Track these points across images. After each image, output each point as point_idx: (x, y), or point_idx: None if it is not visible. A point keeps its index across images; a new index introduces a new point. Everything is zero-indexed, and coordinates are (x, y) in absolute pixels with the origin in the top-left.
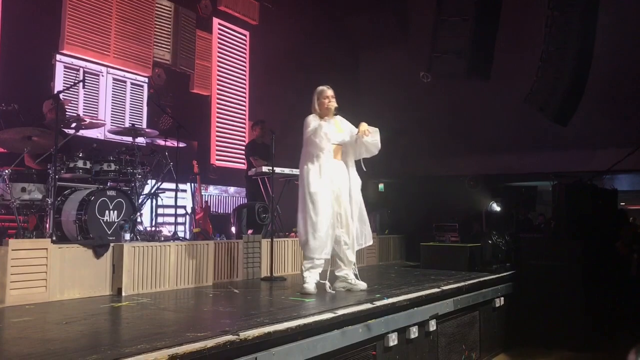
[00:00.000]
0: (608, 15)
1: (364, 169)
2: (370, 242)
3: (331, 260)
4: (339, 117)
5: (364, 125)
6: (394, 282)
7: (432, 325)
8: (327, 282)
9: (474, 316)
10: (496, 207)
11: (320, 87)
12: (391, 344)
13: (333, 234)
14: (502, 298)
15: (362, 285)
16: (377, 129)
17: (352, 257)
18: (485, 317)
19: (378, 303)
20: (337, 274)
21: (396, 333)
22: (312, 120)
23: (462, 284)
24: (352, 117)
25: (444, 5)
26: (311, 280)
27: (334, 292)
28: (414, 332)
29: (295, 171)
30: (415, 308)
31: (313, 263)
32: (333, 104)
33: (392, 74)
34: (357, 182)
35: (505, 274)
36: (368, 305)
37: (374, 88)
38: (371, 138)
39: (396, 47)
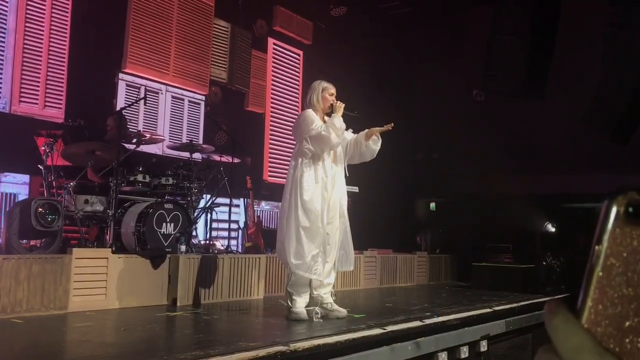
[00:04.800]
0: None
1: (347, 175)
2: (351, 268)
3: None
4: None
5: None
6: (444, 301)
7: (484, 346)
8: (316, 308)
9: (526, 338)
10: (551, 228)
11: (325, 83)
12: None
13: (325, 251)
14: None
15: (341, 312)
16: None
17: (331, 279)
18: (538, 339)
19: (428, 321)
20: (311, 295)
21: (446, 352)
22: (316, 116)
23: (515, 305)
24: (404, 134)
25: (499, 23)
26: (301, 303)
27: (321, 320)
28: (464, 352)
29: (350, 188)
30: (466, 328)
31: (301, 282)
32: (341, 103)
33: (445, 92)
34: (345, 193)
35: (559, 296)
36: (417, 323)
37: (426, 106)
38: (375, 144)
39: (450, 64)
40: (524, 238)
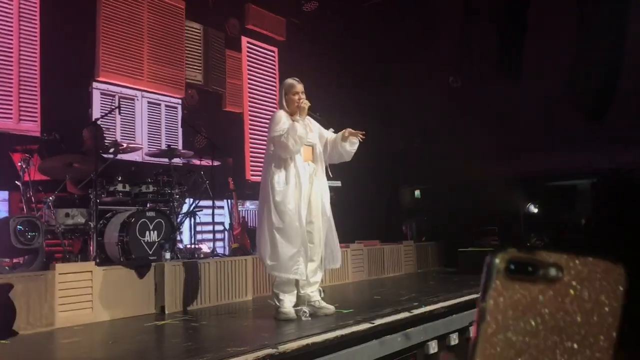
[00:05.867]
0: None
1: (330, 175)
2: (338, 265)
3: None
4: (307, 117)
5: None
6: (432, 289)
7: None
8: (303, 307)
9: None
10: (534, 209)
11: (289, 81)
12: (431, 351)
13: (306, 250)
14: None
15: (329, 309)
16: (357, 141)
17: (318, 277)
18: None
19: (416, 311)
20: (298, 294)
21: (436, 341)
22: (283, 118)
23: None
24: (384, 125)
25: (471, 9)
26: (288, 303)
27: (309, 318)
28: (454, 339)
29: (332, 183)
30: (454, 315)
31: (285, 282)
32: (306, 102)
33: (422, 81)
34: (326, 191)
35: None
36: (406, 314)
37: (404, 96)
38: (352, 146)
39: (425, 52)
40: (508, 220)
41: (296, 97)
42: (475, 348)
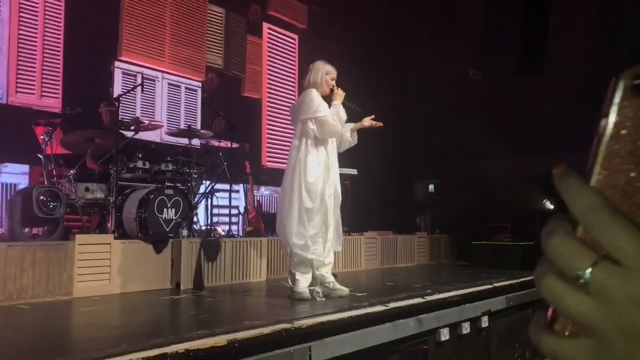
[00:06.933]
0: None
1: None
2: (340, 249)
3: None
4: None
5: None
6: (445, 279)
7: (485, 322)
8: (316, 288)
9: (527, 314)
10: (549, 206)
11: (328, 66)
12: (443, 338)
13: (325, 231)
14: None
15: (344, 290)
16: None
17: (331, 257)
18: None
19: (429, 297)
20: (313, 275)
21: (448, 328)
22: (320, 99)
23: (515, 281)
24: (402, 116)
25: (493, 1)
26: (303, 283)
27: (324, 299)
28: (465, 328)
29: (348, 171)
30: (467, 304)
31: (304, 263)
32: (342, 91)
33: (441, 73)
34: (339, 176)
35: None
36: (419, 300)
37: (423, 88)
38: (353, 139)
39: (446, 44)
40: (522, 216)
41: (333, 82)
42: (595, 161)
